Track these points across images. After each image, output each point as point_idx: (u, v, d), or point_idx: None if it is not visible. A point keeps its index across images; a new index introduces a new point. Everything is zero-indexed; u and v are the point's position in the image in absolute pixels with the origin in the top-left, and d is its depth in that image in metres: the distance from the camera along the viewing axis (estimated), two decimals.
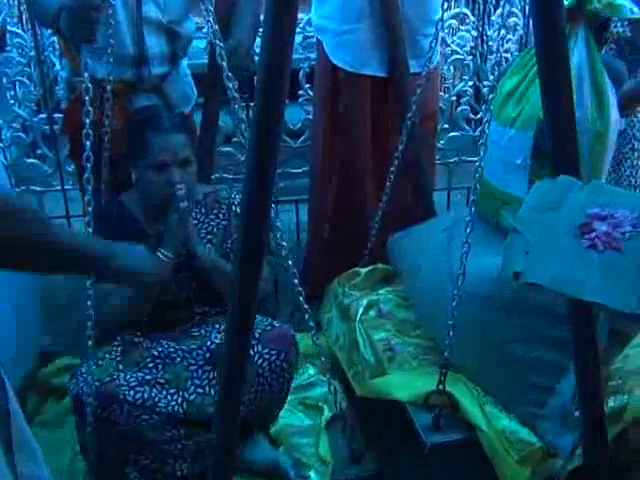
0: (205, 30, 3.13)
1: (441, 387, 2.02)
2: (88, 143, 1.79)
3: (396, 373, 2.22)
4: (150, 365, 2.01)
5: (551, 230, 1.17)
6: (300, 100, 3.45)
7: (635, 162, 3.09)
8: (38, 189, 3.44)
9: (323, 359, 2.08)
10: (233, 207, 2.20)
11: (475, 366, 2.12)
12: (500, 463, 1.94)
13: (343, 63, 2.81)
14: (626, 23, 3.09)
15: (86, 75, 1.86)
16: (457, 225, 2.26)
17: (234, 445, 1.68)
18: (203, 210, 2.19)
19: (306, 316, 2.04)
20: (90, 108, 1.83)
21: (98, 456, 1.92)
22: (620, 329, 2.02)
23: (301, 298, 2.03)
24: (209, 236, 2.17)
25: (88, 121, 1.81)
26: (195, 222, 2.13)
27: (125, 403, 1.88)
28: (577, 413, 1.85)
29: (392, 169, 2.62)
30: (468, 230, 1.91)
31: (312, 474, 2.09)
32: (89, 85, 1.84)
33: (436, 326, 2.25)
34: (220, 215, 2.20)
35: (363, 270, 2.74)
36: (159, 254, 1.98)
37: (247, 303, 1.50)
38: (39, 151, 3.40)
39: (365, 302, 2.56)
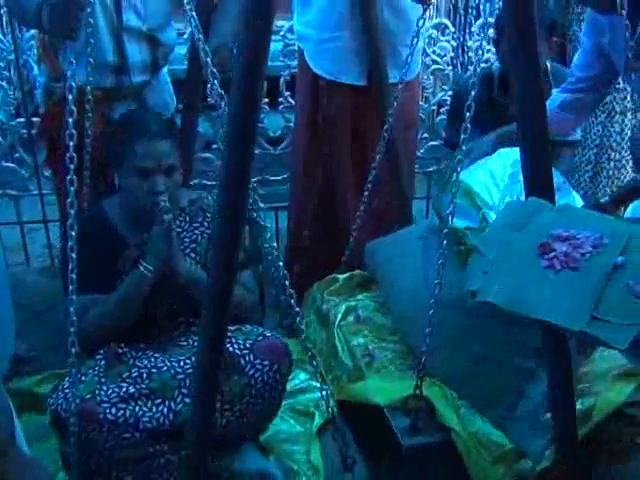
0: (186, 36, 3.17)
1: (418, 392, 2.05)
2: (71, 144, 1.71)
3: (374, 378, 2.24)
4: (135, 375, 1.94)
5: (513, 250, 1.19)
6: (280, 107, 3.47)
7: (611, 172, 3.13)
8: (15, 193, 3.43)
9: (315, 363, 2.01)
10: None
11: (449, 370, 2.15)
12: (474, 464, 1.98)
13: (323, 71, 2.82)
14: None
15: (69, 79, 1.80)
16: (432, 234, 2.29)
17: (204, 461, 1.68)
18: (187, 218, 2.14)
19: (298, 319, 1.94)
20: (70, 117, 1.77)
21: (80, 472, 1.87)
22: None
23: (292, 301, 1.93)
24: (193, 245, 2.11)
25: (70, 121, 1.75)
26: (179, 230, 2.08)
27: (105, 422, 1.82)
28: (547, 416, 1.91)
29: (371, 177, 2.63)
30: (445, 242, 1.92)
31: None
32: (72, 84, 1.76)
33: (411, 332, 2.27)
34: (205, 223, 2.14)
35: (341, 276, 2.75)
36: (140, 267, 1.96)
37: (220, 308, 1.50)
38: (16, 155, 3.39)
39: (343, 308, 2.57)
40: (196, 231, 2.14)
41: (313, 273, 2.95)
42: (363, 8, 2.63)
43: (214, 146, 3.32)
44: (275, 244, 1.92)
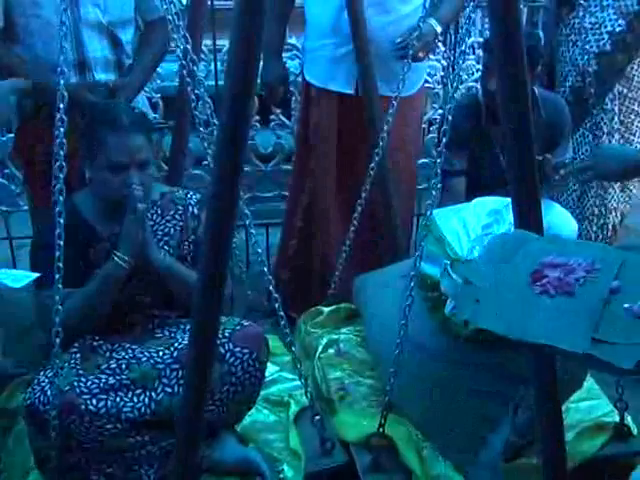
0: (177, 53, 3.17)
1: (381, 430, 2.06)
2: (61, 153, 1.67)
3: (346, 413, 2.26)
4: (114, 366, 1.93)
5: (504, 279, 1.17)
6: (271, 125, 3.48)
7: (598, 191, 3.16)
8: (4, 209, 3.42)
9: (293, 348, 2.09)
10: (190, 207, 2.14)
11: (416, 412, 2.17)
12: None
13: (312, 78, 2.87)
14: (592, 55, 3.17)
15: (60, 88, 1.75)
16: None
17: (197, 451, 1.67)
18: (159, 211, 2.12)
19: (282, 323, 2.03)
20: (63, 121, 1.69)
21: (59, 465, 1.84)
22: (568, 379, 2.07)
23: (277, 305, 2.03)
24: (165, 237, 2.11)
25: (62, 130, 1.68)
26: (151, 223, 2.07)
27: (86, 413, 1.81)
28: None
29: (361, 195, 2.62)
30: (412, 284, 1.96)
31: (285, 467, 2.05)
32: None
33: (385, 370, 2.27)
34: (177, 216, 2.13)
35: (326, 309, 2.76)
36: (115, 257, 1.94)
37: (211, 315, 1.50)
38: (6, 171, 3.38)
39: (325, 340, 2.60)
40: (168, 224, 2.12)
41: (301, 281, 2.97)
42: (351, 16, 2.63)
43: (204, 162, 3.32)
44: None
